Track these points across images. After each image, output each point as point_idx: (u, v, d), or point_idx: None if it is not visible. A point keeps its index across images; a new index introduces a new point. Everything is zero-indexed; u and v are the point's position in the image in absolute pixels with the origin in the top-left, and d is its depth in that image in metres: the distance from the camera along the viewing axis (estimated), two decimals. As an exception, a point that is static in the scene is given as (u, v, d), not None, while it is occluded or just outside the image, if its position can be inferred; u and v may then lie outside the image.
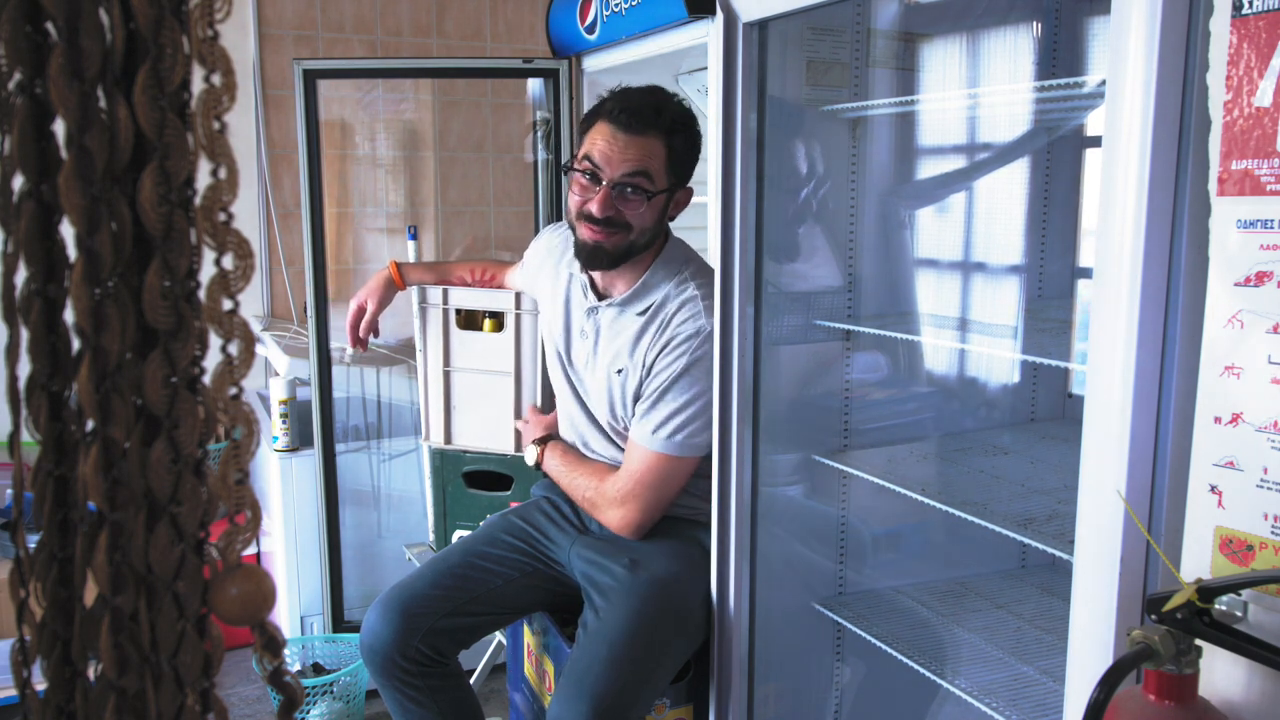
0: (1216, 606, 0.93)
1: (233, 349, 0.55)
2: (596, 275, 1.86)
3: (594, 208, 1.72)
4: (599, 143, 1.73)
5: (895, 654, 1.61)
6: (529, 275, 2.12)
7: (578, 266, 1.89)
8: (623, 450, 1.87)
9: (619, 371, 1.82)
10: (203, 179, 0.55)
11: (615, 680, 1.57)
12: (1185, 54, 0.97)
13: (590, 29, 2.19)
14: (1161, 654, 0.91)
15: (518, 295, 2.19)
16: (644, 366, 1.79)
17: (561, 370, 1.95)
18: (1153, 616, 0.94)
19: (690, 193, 1.83)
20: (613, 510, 1.80)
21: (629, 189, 1.72)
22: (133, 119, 0.53)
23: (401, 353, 2.82)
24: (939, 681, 1.52)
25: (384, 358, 2.83)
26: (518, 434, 2.28)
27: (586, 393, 1.91)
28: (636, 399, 1.80)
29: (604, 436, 1.89)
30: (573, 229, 1.81)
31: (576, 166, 1.76)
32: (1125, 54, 0.99)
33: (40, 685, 0.61)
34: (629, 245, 1.76)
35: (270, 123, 3.35)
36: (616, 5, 2.05)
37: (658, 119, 1.73)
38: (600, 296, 1.87)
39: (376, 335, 2.28)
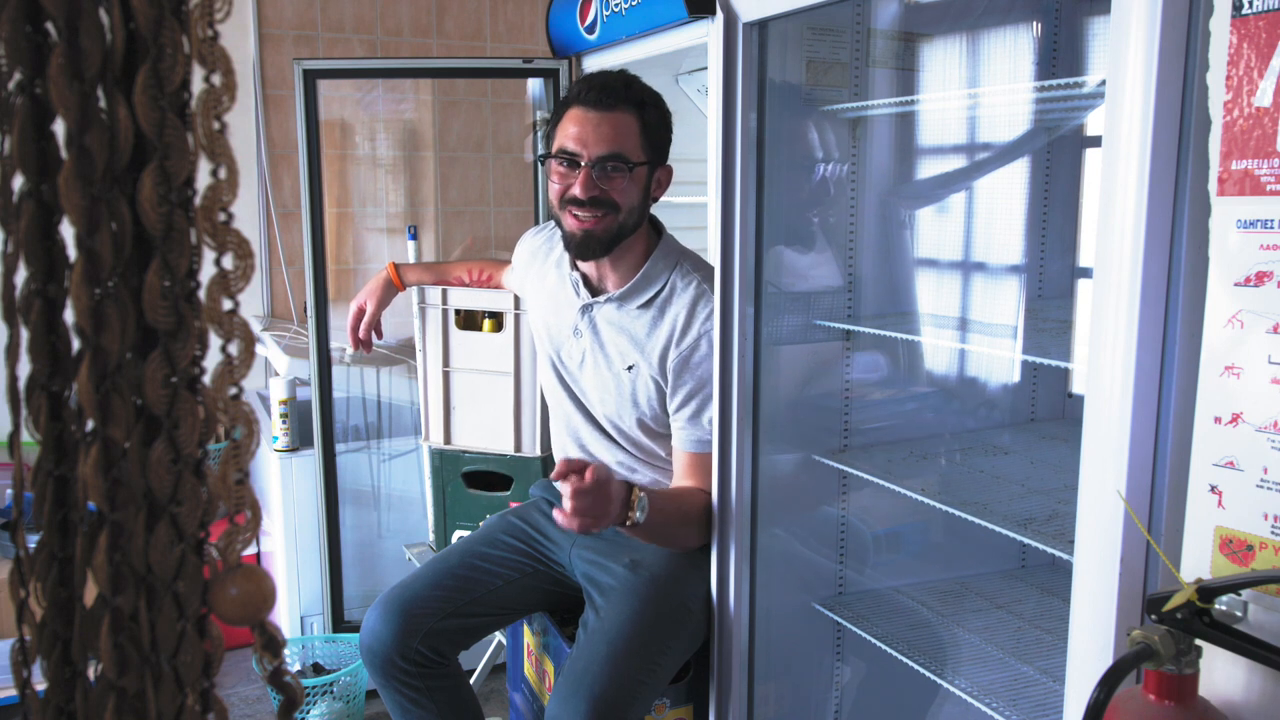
0: (1216, 606, 0.93)
1: (233, 349, 0.55)
2: (589, 271, 1.84)
3: (578, 190, 1.70)
4: (571, 128, 1.71)
5: (895, 654, 1.61)
6: (516, 278, 2.13)
7: (567, 266, 1.87)
8: (624, 449, 1.86)
9: (629, 368, 1.80)
10: (203, 179, 0.55)
11: (614, 680, 1.57)
12: (1185, 54, 0.97)
13: (590, 29, 2.19)
14: (1161, 654, 0.91)
15: (516, 296, 2.19)
16: (661, 363, 1.76)
17: (554, 371, 1.93)
18: (1153, 616, 0.94)
19: (670, 171, 1.82)
20: (709, 526, 1.76)
21: (610, 165, 1.70)
22: (133, 119, 0.53)
23: (401, 353, 2.82)
24: (939, 681, 1.52)
25: (384, 358, 2.83)
26: (517, 434, 2.27)
27: (583, 392, 1.89)
28: (660, 398, 1.78)
29: (603, 436, 1.88)
30: (558, 224, 1.79)
31: (553, 154, 1.74)
32: (1125, 54, 0.99)
33: (40, 685, 0.61)
34: (618, 228, 1.74)
35: (270, 123, 3.35)
36: (616, 5, 2.05)
37: (628, 92, 1.72)
38: (594, 293, 1.85)
39: (380, 337, 2.27)
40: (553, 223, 2.06)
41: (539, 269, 1.99)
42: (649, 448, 1.84)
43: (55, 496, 0.58)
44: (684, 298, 1.76)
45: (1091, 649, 1.08)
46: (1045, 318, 1.76)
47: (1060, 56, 1.78)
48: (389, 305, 2.26)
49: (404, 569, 2.42)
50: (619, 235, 1.75)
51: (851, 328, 1.80)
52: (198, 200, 0.54)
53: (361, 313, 2.21)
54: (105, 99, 0.54)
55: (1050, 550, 1.30)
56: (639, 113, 1.73)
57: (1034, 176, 1.86)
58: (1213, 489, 0.96)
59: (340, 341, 2.50)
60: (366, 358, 2.70)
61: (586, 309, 1.85)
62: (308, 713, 2.48)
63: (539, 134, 2.60)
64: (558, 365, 1.92)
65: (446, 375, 2.30)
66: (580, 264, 1.85)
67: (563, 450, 1.97)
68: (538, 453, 2.27)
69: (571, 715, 1.57)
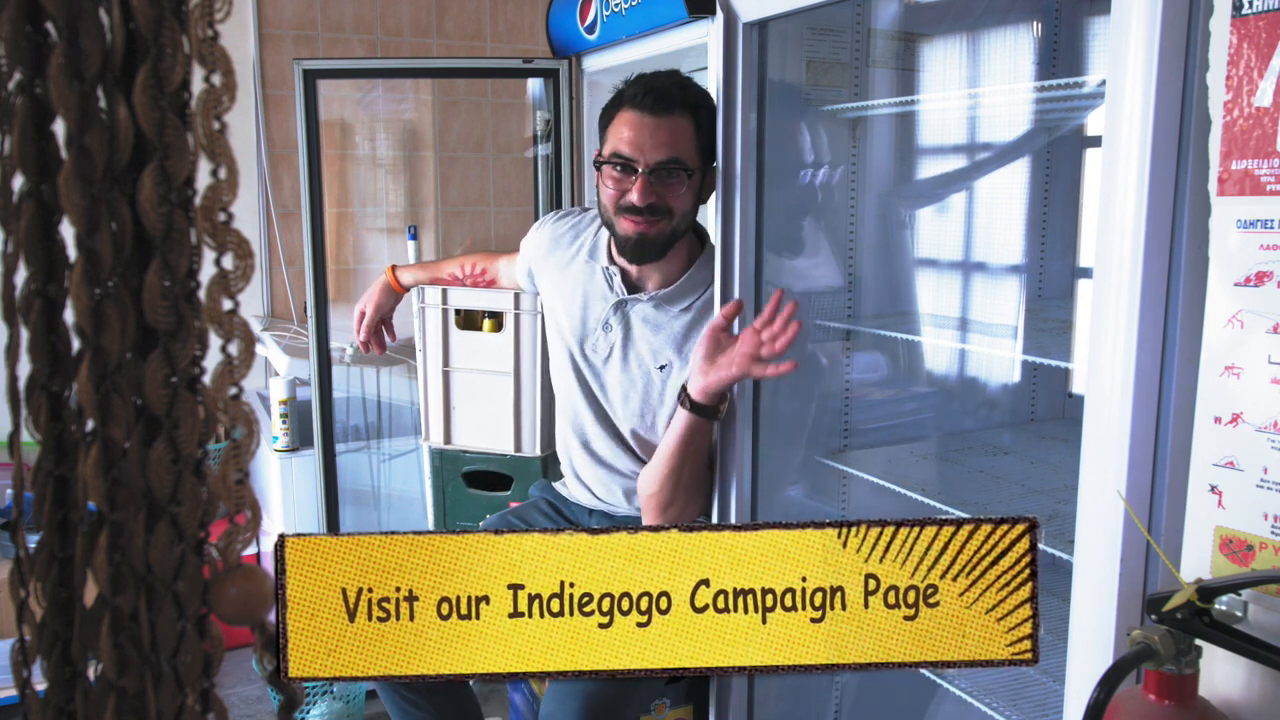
0: (1216, 606, 0.93)
1: (233, 349, 0.55)
2: (628, 268, 1.80)
3: (635, 196, 1.65)
4: (626, 131, 1.66)
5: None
6: (528, 265, 2.05)
7: (603, 258, 1.84)
8: (630, 448, 1.84)
9: (662, 368, 1.78)
10: (203, 179, 0.55)
11: (606, 678, 1.56)
12: (1185, 54, 0.97)
13: (590, 29, 2.19)
14: (1161, 654, 0.91)
15: (516, 295, 2.18)
16: None
17: (570, 363, 1.89)
18: (1153, 616, 0.94)
19: (716, 171, 1.75)
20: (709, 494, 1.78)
21: (668, 172, 1.66)
22: (133, 119, 0.53)
23: (401, 353, 2.82)
24: (939, 681, 1.52)
25: (384, 357, 2.83)
26: (517, 434, 2.27)
27: (603, 387, 1.86)
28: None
29: (611, 435, 1.86)
30: (609, 226, 1.75)
31: (606, 160, 1.69)
32: (1125, 54, 0.99)
33: (40, 685, 0.61)
34: (672, 232, 1.71)
35: (270, 123, 3.35)
36: (616, 5, 2.05)
37: (684, 96, 1.67)
38: (630, 289, 1.82)
39: (393, 339, 2.27)
40: (576, 209, 2.04)
41: (560, 256, 1.93)
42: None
43: (55, 496, 0.58)
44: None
45: (1091, 649, 1.08)
46: (1045, 318, 1.76)
47: (1060, 56, 1.78)
48: (391, 308, 2.26)
49: (404, 569, 2.42)
50: (672, 239, 1.73)
51: (851, 328, 1.80)
52: (198, 200, 0.54)
53: (363, 316, 2.22)
54: (105, 99, 0.54)
55: (1050, 550, 1.30)
56: (694, 116, 1.68)
57: (1034, 176, 1.86)
58: (1213, 489, 0.96)
59: (341, 341, 2.51)
60: (366, 357, 2.70)
61: (621, 304, 1.81)
62: (308, 713, 2.48)
63: (539, 133, 2.60)
64: (577, 358, 1.88)
65: (446, 375, 2.30)
66: (619, 260, 1.82)
67: (565, 444, 1.95)
68: (538, 452, 2.27)
69: (566, 714, 1.57)
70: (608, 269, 1.83)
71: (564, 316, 1.90)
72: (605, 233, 1.84)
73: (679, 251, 1.78)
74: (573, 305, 1.88)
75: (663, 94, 1.65)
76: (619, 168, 1.67)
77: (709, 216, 1.70)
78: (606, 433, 1.87)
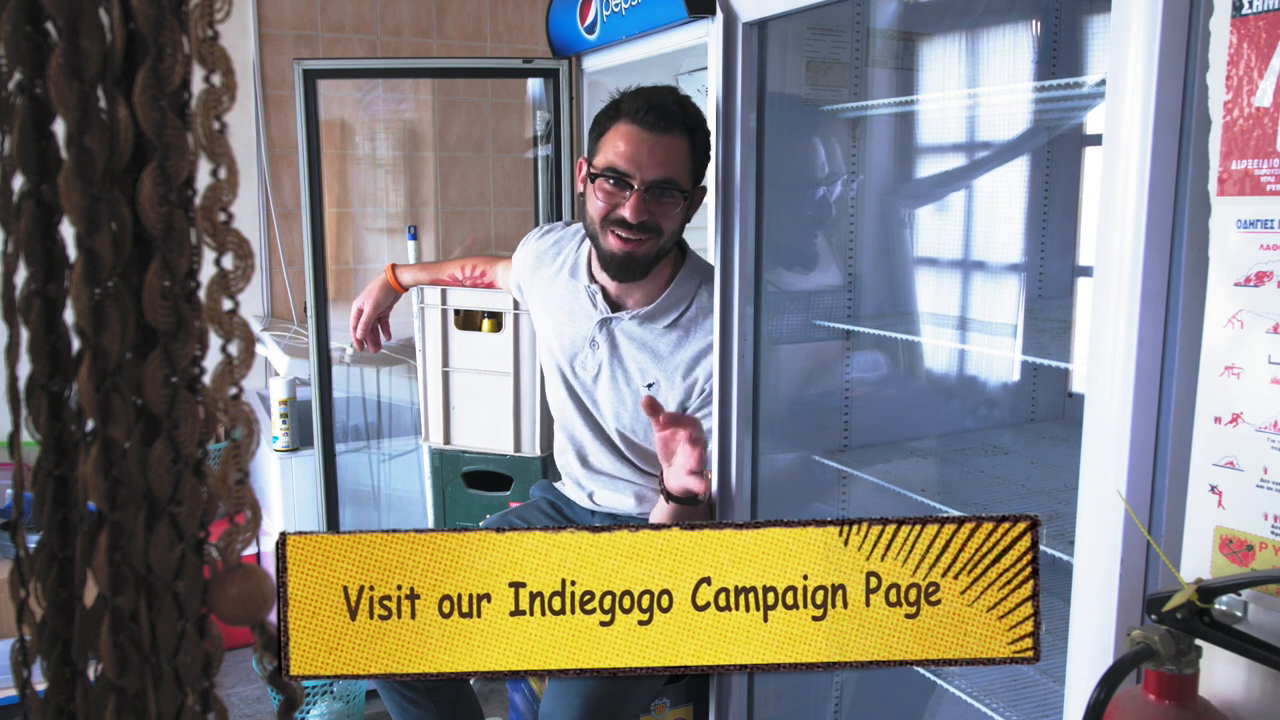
0: (1216, 606, 0.93)
1: (233, 349, 0.55)
2: (609, 285, 1.79)
3: (627, 213, 1.62)
4: (622, 145, 1.63)
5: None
6: (517, 280, 2.05)
7: (584, 276, 1.83)
8: (630, 462, 1.84)
9: (649, 385, 1.77)
10: (203, 179, 0.55)
11: (607, 676, 1.56)
12: (1185, 54, 0.97)
13: (590, 29, 2.19)
14: (1161, 654, 0.91)
15: (515, 296, 2.19)
16: (688, 374, 1.75)
17: (562, 380, 1.88)
18: (1153, 616, 0.94)
19: (704, 191, 1.76)
20: None
21: (663, 191, 1.64)
22: (133, 119, 0.53)
23: (401, 353, 2.82)
24: (938, 681, 1.52)
25: (384, 358, 2.83)
26: (517, 434, 2.27)
27: (596, 404, 1.85)
28: (682, 411, 1.76)
29: (608, 449, 1.86)
30: (594, 238, 1.73)
31: (600, 172, 1.65)
32: (1125, 54, 0.99)
33: (40, 685, 0.61)
34: (659, 251, 1.69)
35: (270, 123, 3.35)
36: (616, 5, 2.05)
37: (684, 115, 1.66)
38: (613, 307, 1.81)
39: (389, 338, 2.27)
40: (559, 225, 2.03)
41: (545, 273, 1.93)
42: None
43: (55, 496, 0.58)
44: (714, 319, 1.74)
45: (1091, 649, 1.08)
46: (1045, 318, 1.76)
47: (1060, 56, 1.78)
48: (392, 307, 2.26)
49: (404, 569, 2.41)
50: (658, 258, 1.71)
51: (851, 328, 1.80)
52: (198, 200, 0.55)
53: (360, 314, 2.22)
54: (105, 99, 0.54)
55: (1050, 550, 1.30)
56: (690, 138, 1.66)
57: (1034, 176, 1.86)
58: (1213, 489, 0.96)
59: (340, 341, 2.51)
60: (366, 357, 2.70)
61: (605, 322, 1.80)
62: (308, 713, 2.48)
63: (539, 134, 2.60)
64: (568, 375, 1.87)
65: (446, 375, 2.30)
66: (599, 277, 1.81)
67: (563, 455, 1.95)
68: (537, 452, 2.27)
69: (565, 711, 1.57)
70: (589, 287, 1.81)
71: (552, 335, 1.89)
72: (585, 249, 1.83)
73: (662, 268, 1.77)
74: (560, 323, 1.88)
75: (664, 111, 1.63)
76: (613, 181, 1.65)
77: (709, 218, 1.70)
78: (604, 445, 1.87)
